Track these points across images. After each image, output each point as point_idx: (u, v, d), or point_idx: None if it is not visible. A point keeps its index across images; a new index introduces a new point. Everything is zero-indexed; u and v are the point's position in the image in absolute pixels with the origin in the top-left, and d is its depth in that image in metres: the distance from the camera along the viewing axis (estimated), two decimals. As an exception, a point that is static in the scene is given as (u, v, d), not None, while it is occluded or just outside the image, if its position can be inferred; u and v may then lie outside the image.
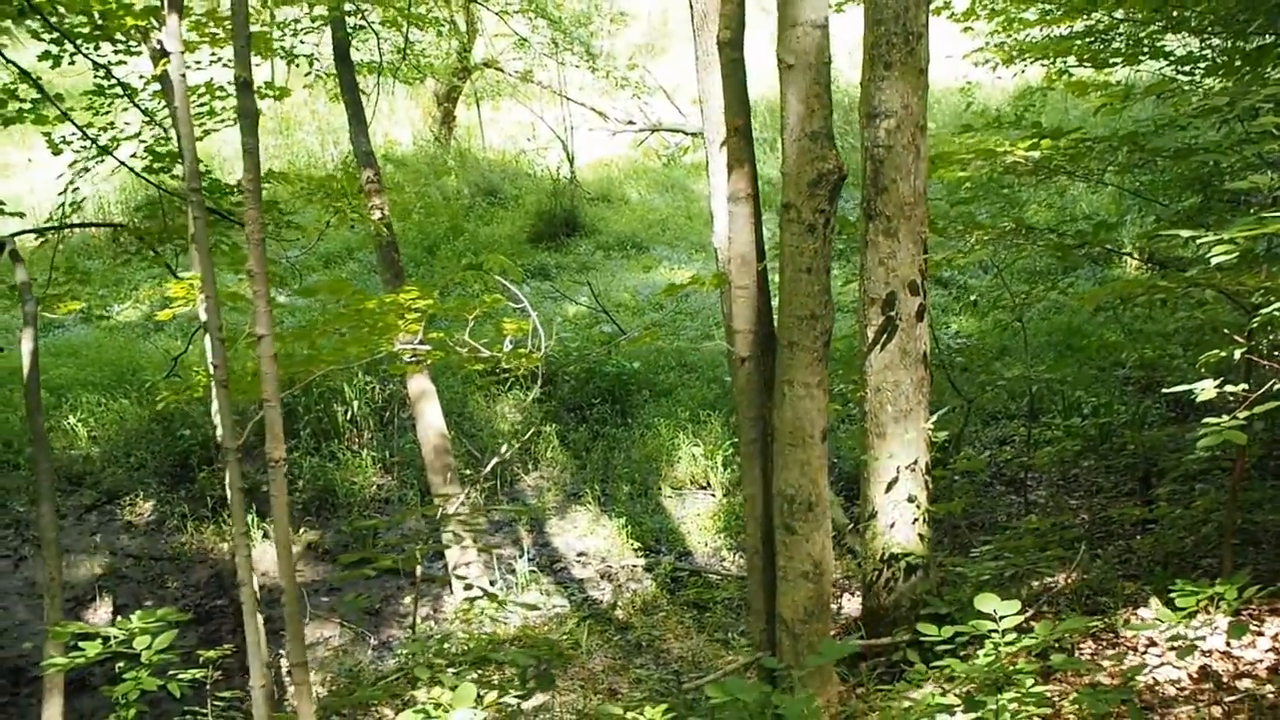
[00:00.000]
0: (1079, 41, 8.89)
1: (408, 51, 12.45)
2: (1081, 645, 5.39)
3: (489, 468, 6.73)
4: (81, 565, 9.62)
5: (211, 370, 4.31)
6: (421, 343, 5.15)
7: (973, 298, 8.35)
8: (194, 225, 4.13)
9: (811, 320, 4.60)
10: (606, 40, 22.17)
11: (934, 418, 9.05)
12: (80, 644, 4.74)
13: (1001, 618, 4.00)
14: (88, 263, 15.12)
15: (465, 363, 5.33)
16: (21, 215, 8.26)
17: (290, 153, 19.01)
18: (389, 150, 19.05)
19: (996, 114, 12.66)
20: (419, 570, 5.79)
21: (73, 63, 8.11)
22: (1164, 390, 7.32)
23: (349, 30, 10.32)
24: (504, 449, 6.50)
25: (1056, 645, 4.69)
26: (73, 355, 12.52)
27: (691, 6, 6.13)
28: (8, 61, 7.45)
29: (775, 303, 5.10)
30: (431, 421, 9.27)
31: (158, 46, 7.57)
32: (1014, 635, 4.04)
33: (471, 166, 18.61)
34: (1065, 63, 9.45)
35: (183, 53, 3.75)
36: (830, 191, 4.49)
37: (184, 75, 3.81)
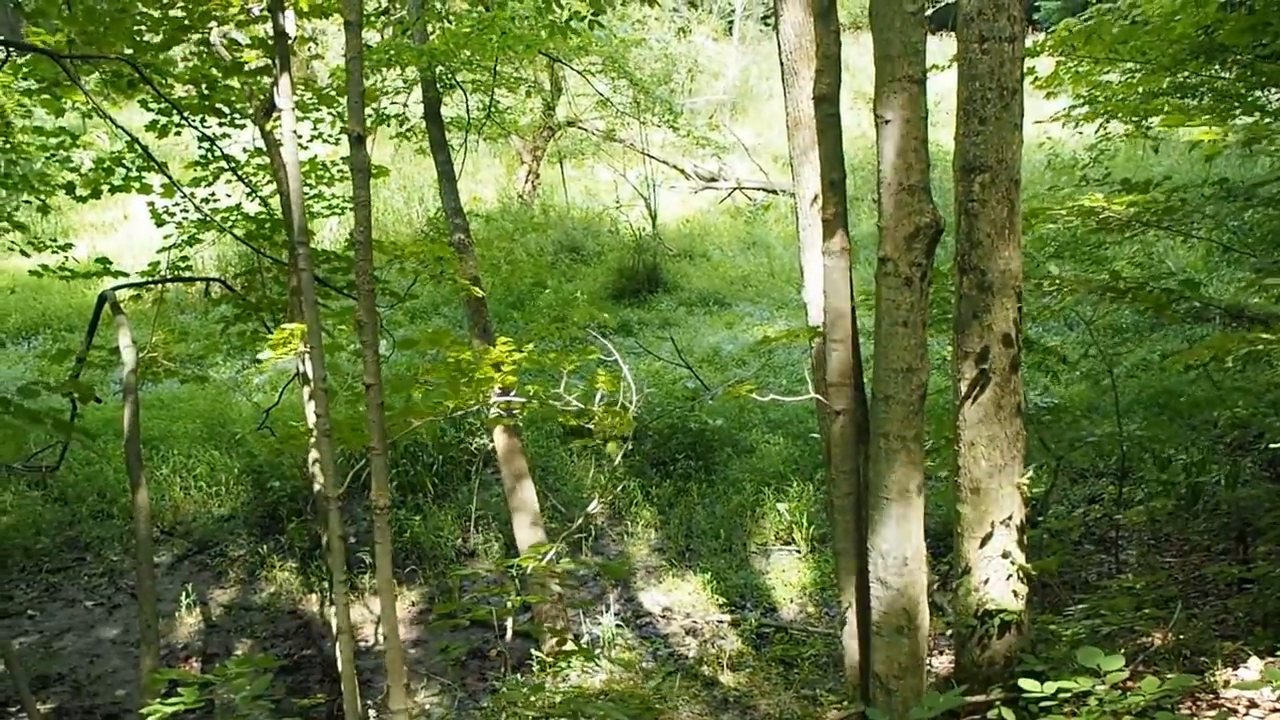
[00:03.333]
0: (1168, 99, 8.82)
1: (493, 109, 12.67)
2: (1181, 705, 5.27)
3: (576, 524, 6.75)
4: (173, 615, 9.79)
5: (314, 421, 4.39)
6: (515, 395, 5.22)
7: (1062, 355, 8.26)
8: (300, 278, 4.24)
9: (908, 373, 4.60)
10: (688, 99, 22.46)
11: (1026, 472, 9.00)
12: (178, 690, 4.82)
13: (1106, 673, 3.92)
14: (181, 316, 15.53)
15: (558, 418, 5.38)
16: (124, 274, 8.52)
17: (377, 211, 19.39)
18: (473, 207, 19.37)
19: (1075, 164, 12.64)
20: (509, 622, 5.82)
21: (178, 133, 8.38)
22: (1265, 447, 7.18)
23: (439, 89, 10.56)
24: (592, 505, 6.52)
25: (1159, 705, 4.59)
26: (164, 408, 12.81)
27: (782, 64, 6.22)
28: (118, 129, 7.71)
29: (864, 356, 5.11)
30: (518, 475, 9.35)
31: (264, 101, 7.80)
32: (1117, 693, 3.96)
33: (555, 223, 18.87)
34: (1149, 123, 9.38)
35: (293, 109, 3.87)
36: (927, 245, 4.50)
37: (295, 131, 3.94)
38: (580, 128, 19.17)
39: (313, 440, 5.53)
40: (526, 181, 19.95)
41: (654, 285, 16.56)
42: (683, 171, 19.82)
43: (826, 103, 4.84)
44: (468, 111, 12.11)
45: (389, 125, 11.40)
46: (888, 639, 4.86)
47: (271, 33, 4.14)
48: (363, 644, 9.39)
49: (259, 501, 10.96)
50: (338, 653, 4.40)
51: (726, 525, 10.29)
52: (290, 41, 4.21)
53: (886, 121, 4.42)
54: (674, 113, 16.44)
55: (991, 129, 5.22)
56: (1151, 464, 9.76)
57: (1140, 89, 8.56)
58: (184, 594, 9.94)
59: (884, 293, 4.56)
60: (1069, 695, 4.21)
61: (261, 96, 7.65)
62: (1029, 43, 9.73)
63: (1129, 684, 5.35)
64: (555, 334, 12.09)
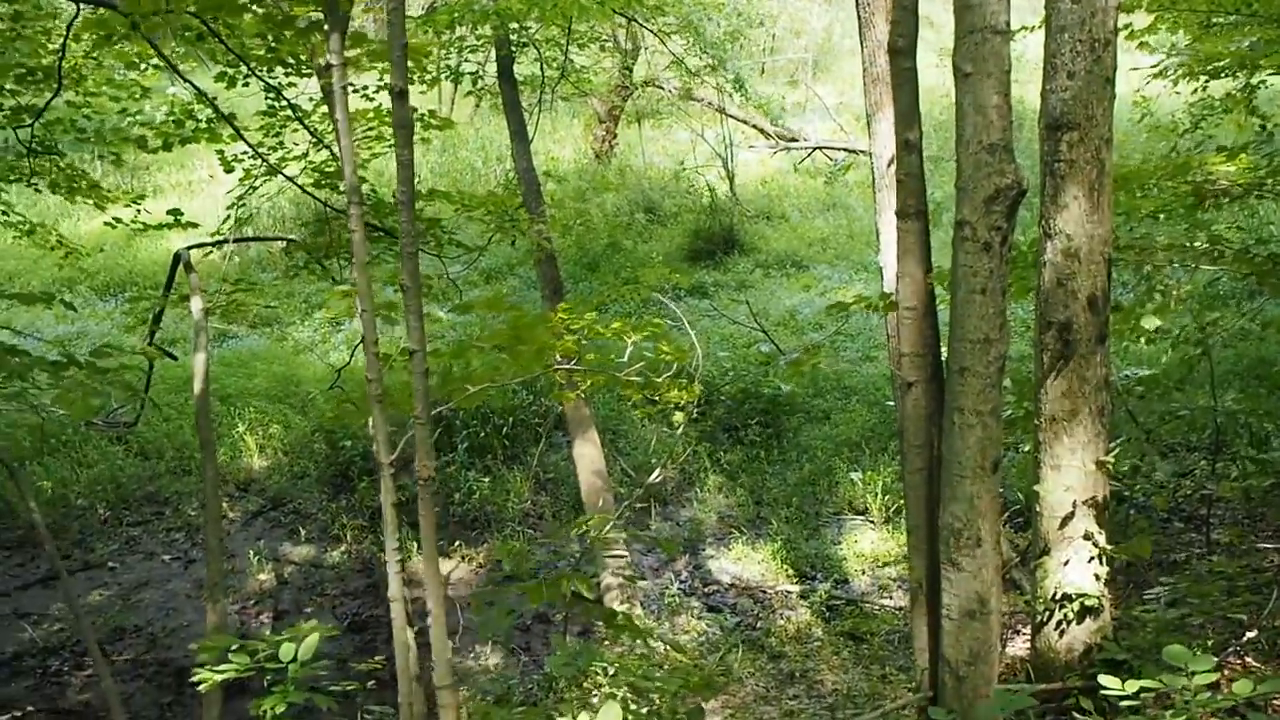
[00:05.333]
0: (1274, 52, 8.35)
1: (567, 69, 12.46)
2: (1275, 702, 4.97)
3: (638, 494, 6.59)
4: (245, 571, 9.85)
5: (367, 384, 4.26)
6: (577, 364, 5.04)
7: (1154, 325, 7.86)
8: (352, 238, 4.09)
9: (985, 344, 4.34)
10: (769, 58, 22.04)
11: (1112, 448, 8.64)
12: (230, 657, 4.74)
13: (1194, 674, 3.66)
14: (261, 274, 15.60)
15: (621, 388, 5.20)
16: (195, 225, 8.51)
17: (455, 170, 19.33)
18: (550, 167, 19.21)
19: (1174, 126, 12.07)
20: (570, 591, 5.67)
21: (246, 84, 8.31)
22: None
23: (512, 48, 10.38)
24: (654, 475, 6.35)
25: (1250, 703, 4.31)
26: (242, 366, 12.89)
27: (859, 16, 5.94)
28: (186, 82, 7.66)
29: (943, 325, 4.86)
30: (587, 442, 9.23)
31: (323, 63, 7.68)
32: (1206, 694, 3.70)
33: (631, 184, 18.64)
34: (1255, 82, 8.91)
35: (344, 65, 3.71)
36: (1008, 208, 4.22)
37: (345, 88, 3.77)
38: (658, 87, 18.88)
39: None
40: (604, 141, 19.73)
41: (730, 246, 16.29)
42: (762, 131, 19.45)
43: (901, 56, 4.56)
44: (542, 71, 11.92)
45: (462, 83, 11.24)
46: (958, 623, 4.63)
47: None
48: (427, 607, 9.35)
49: (331, 460, 10.96)
50: (393, 613, 4.27)
51: (798, 494, 10.07)
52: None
53: (966, 75, 4.14)
54: (739, 81, 16.08)
55: (1081, 84, 4.91)
56: (1247, 440, 9.32)
57: (1246, 40, 8.11)
58: (255, 551, 9.98)
59: (961, 258, 4.29)
60: (1152, 694, 3.94)
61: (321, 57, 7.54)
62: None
63: (1219, 677, 5.07)
64: (626, 296, 11.94)
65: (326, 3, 3.76)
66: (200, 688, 4.77)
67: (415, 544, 9.96)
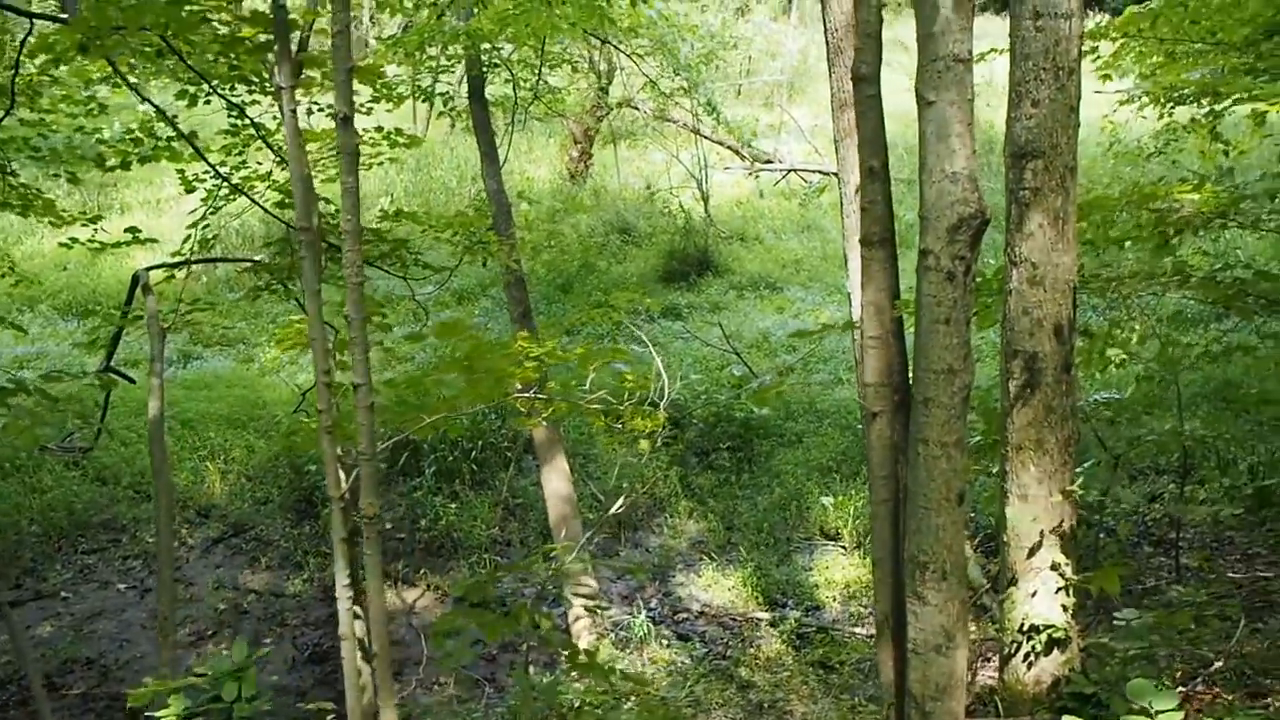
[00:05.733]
0: (1240, 79, 8.35)
1: (539, 90, 12.40)
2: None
3: (600, 525, 6.49)
4: (204, 599, 9.67)
5: (319, 415, 4.16)
6: (539, 393, 4.95)
7: (1120, 354, 7.83)
8: (303, 266, 3.99)
9: (949, 375, 4.26)
10: (745, 80, 22.04)
11: (1079, 471, 8.57)
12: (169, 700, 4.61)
13: (1158, 713, 3.58)
14: (229, 295, 15.43)
15: (585, 415, 5.11)
16: (155, 241, 8.39)
17: (429, 190, 19.23)
18: (525, 187, 19.13)
19: (1140, 151, 12.08)
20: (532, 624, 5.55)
21: (208, 102, 8.20)
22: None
23: (483, 68, 10.31)
24: (617, 505, 6.24)
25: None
26: (205, 388, 12.72)
27: (828, 42, 5.88)
28: (144, 99, 7.54)
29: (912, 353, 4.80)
30: (555, 468, 9.13)
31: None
32: (1171, 729, 3.63)
33: (606, 205, 18.59)
34: (1217, 108, 8.90)
35: (293, 89, 3.61)
36: (972, 237, 4.15)
37: (294, 112, 3.68)
38: (633, 108, 18.84)
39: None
40: (579, 162, 19.68)
41: (705, 268, 16.25)
42: (737, 153, 19.43)
43: (865, 83, 4.50)
44: (515, 92, 11.85)
45: (432, 104, 11.16)
46: (924, 657, 4.54)
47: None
48: (392, 636, 9.21)
49: (295, 486, 10.80)
50: (343, 652, 4.15)
51: (769, 519, 9.98)
52: (292, 14, 3.95)
53: (929, 103, 4.08)
54: (711, 105, 16.06)
55: (1045, 112, 4.87)
56: (1215, 464, 9.29)
57: (1209, 69, 8.11)
58: (215, 579, 9.80)
59: (924, 288, 4.22)
60: (1116, 730, 3.87)
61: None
62: (1090, 24, 9.33)
63: (1185, 707, 5.00)
64: (598, 320, 11.83)
65: (275, 26, 3.67)
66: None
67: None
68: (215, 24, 5.63)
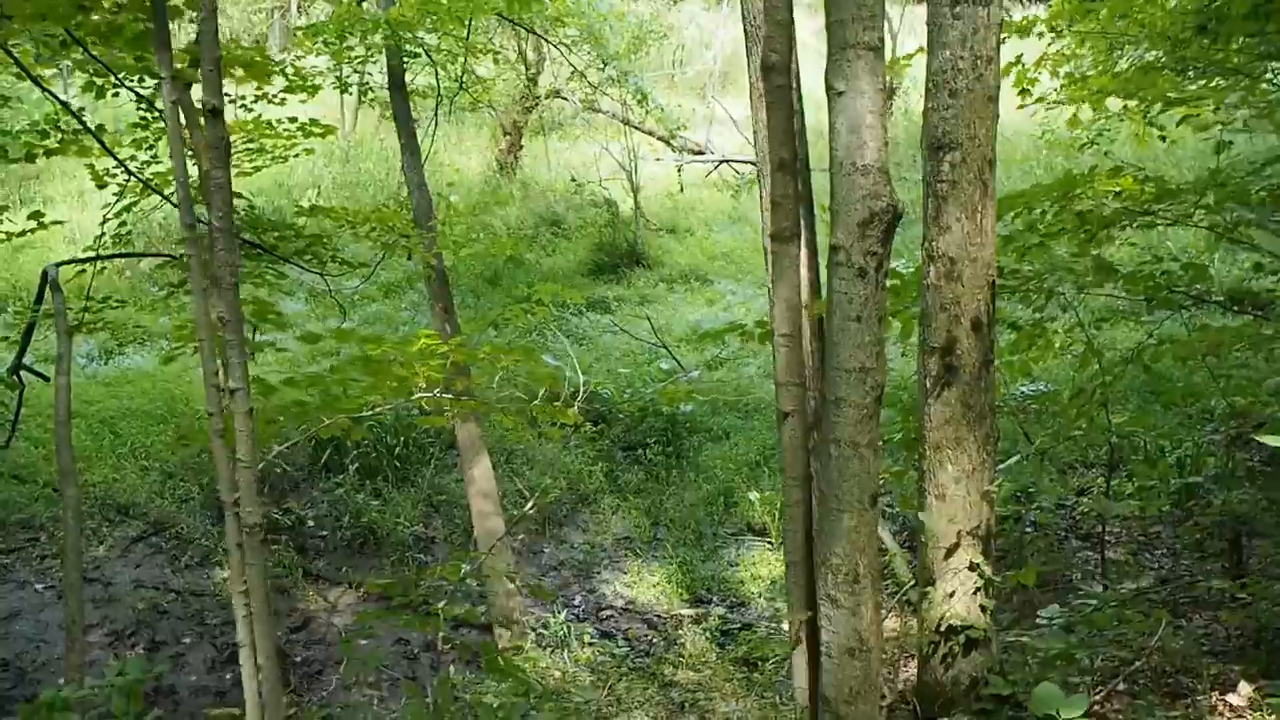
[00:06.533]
0: (1165, 73, 8.34)
1: (464, 81, 12.19)
2: (1161, 734, 4.87)
3: (512, 525, 6.36)
4: (123, 599, 9.42)
5: (208, 419, 3.98)
6: (446, 391, 4.79)
7: (1050, 342, 7.78)
8: (190, 264, 3.80)
9: (861, 374, 4.16)
10: (677, 69, 21.92)
11: (1004, 465, 8.56)
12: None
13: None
14: (155, 290, 15.06)
15: (496, 414, 4.97)
16: (59, 223, 8.15)
17: (356, 182, 18.91)
18: (455, 179, 18.88)
19: (1074, 142, 12.08)
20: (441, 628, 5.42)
21: (116, 94, 7.95)
22: (1258, 439, 6.71)
23: (404, 58, 10.09)
24: (528, 506, 6.13)
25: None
26: (127, 384, 12.42)
27: (746, 31, 5.76)
28: (45, 92, 7.29)
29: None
30: (477, 465, 8.96)
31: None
32: (1083, 733, 3.55)
33: (536, 197, 18.39)
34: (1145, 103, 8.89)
35: (172, 79, 3.43)
36: (883, 232, 4.05)
37: (174, 103, 3.50)
38: (562, 98, 18.65)
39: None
40: (509, 153, 19.47)
41: (635, 261, 16.14)
42: (668, 143, 19.32)
43: (775, 72, 4.38)
44: (438, 82, 11.63)
45: (356, 95, 10.92)
46: (837, 660, 4.45)
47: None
48: (313, 635, 9.05)
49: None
50: (241, 659, 3.96)
51: (696, 514, 9.89)
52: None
53: (839, 93, 3.96)
54: (641, 92, 15.93)
55: (963, 102, 4.79)
56: (1142, 458, 9.31)
57: (1135, 67, 8.10)
58: (136, 577, 9.56)
59: (835, 285, 4.12)
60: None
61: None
62: (1019, 16, 9.29)
63: (1103, 707, 4.97)
64: (522, 314, 11.68)
65: (153, 14, 3.48)
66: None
67: (300, 570, 9.65)
68: (92, 13, 5.40)
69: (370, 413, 4.59)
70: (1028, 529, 8.36)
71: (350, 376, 4.44)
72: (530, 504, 6.33)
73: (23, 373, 8.38)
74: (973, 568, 5.05)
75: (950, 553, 5.07)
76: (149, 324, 12.60)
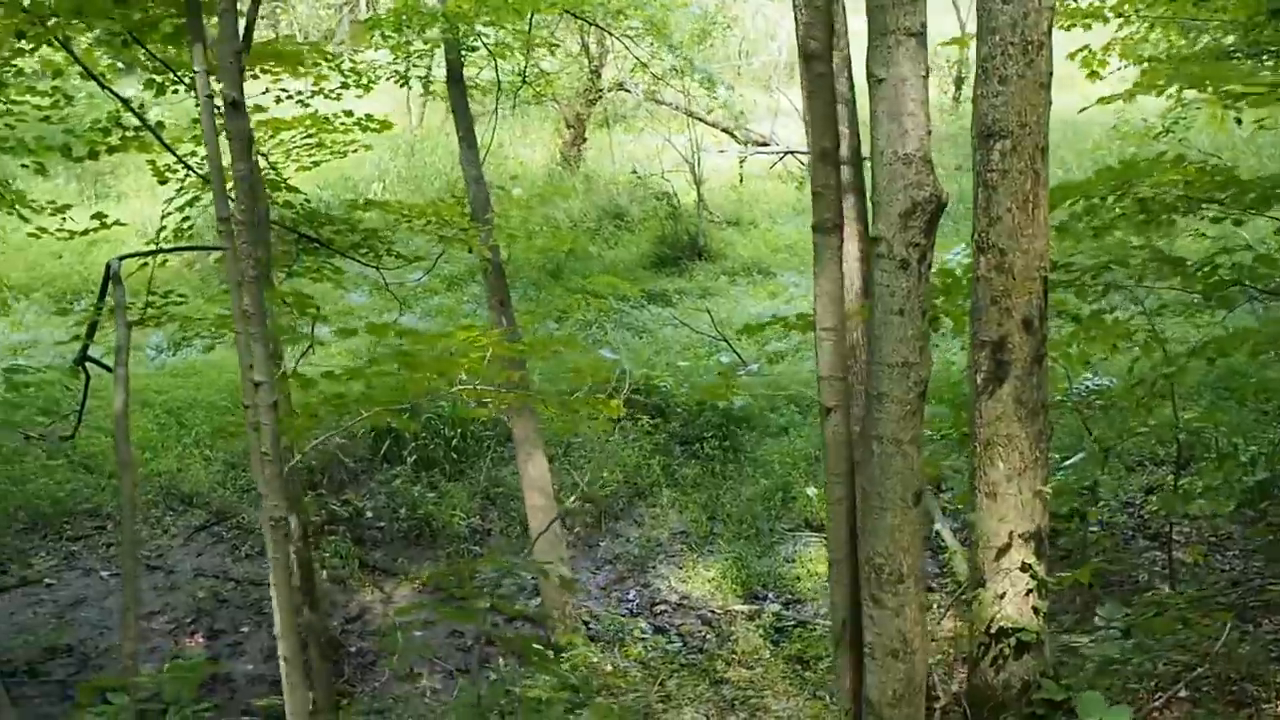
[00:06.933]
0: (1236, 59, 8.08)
1: (527, 74, 12.17)
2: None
3: (554, 520, 6.32)
4: (185, 586, 9.56)
5: (245, 411, 3.96)
6: (482, 383, 4.75)
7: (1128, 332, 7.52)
8: (227, 258, 3.79)
9: (904, 369, 4.05)
10: (742, 60, 21.75)
11: (1069, 462, 8.35)
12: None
13: (1112, 732, 3.38)
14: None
15: (537, 405, 4.93)
16: (121, 224, 8.33)
17: (422, 176, 19.00)
18: (518, 171, 18.89)
19: (1149, 130, 11.74)
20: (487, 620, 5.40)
21: (175, 91, 8.05)
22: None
23: (461, 53, 10.09)
24: (571, 500, 6.09)
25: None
26: (196, 375, 12.58)
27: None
28: (107, 90, 7.40)
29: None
30: (532, 458, 8.95)
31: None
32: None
33: (599, 189, 18.34)
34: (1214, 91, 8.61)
35: (206, 74, 3.41)
36: (926, 222, 3.93)
37: (209, 97, 3.48)
38: (625, 90, 18.57)
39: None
40: (572, 146, 19.43)
41: (697, 253, 16.04)
42: (732, 135, 19.17)
43: (815, 60, 4.28)
44: (497, 75, 11.61)
45: (410, 88, 10.94)
46: (880, 662, 4.35)
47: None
48: (368, 625, 9.12)
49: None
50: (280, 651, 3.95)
51: (753, 510, 9.78)
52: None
53: (880, 80, 3.86)
54: (710, 80, 15.79)
55: (1014, 89, 4.63)
56: (1214, 456, 9.01)
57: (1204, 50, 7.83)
58: (197, 566, 9.69)
59: (877, 277, 4.01)
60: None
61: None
62: (1083, 2, 9.03)
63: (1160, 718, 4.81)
64: (579, 306, 11.66)
65: (187, 9, 3.47)
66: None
67: (357, 560, 9.71)
68: (131, 10, 5.43)
69: (404, 405, 4.57)
70: (1093, 528, 8.14)
71: (387, 370, 4.42)
72: (573, 498, 6.27)
73: (88, 365, 8.51)
74: (1024, 568, 4.90)
75: (1001, 553, 4.92)
76: (213, 316, 12.79)
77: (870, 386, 4.18)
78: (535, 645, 5.04)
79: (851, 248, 5.03)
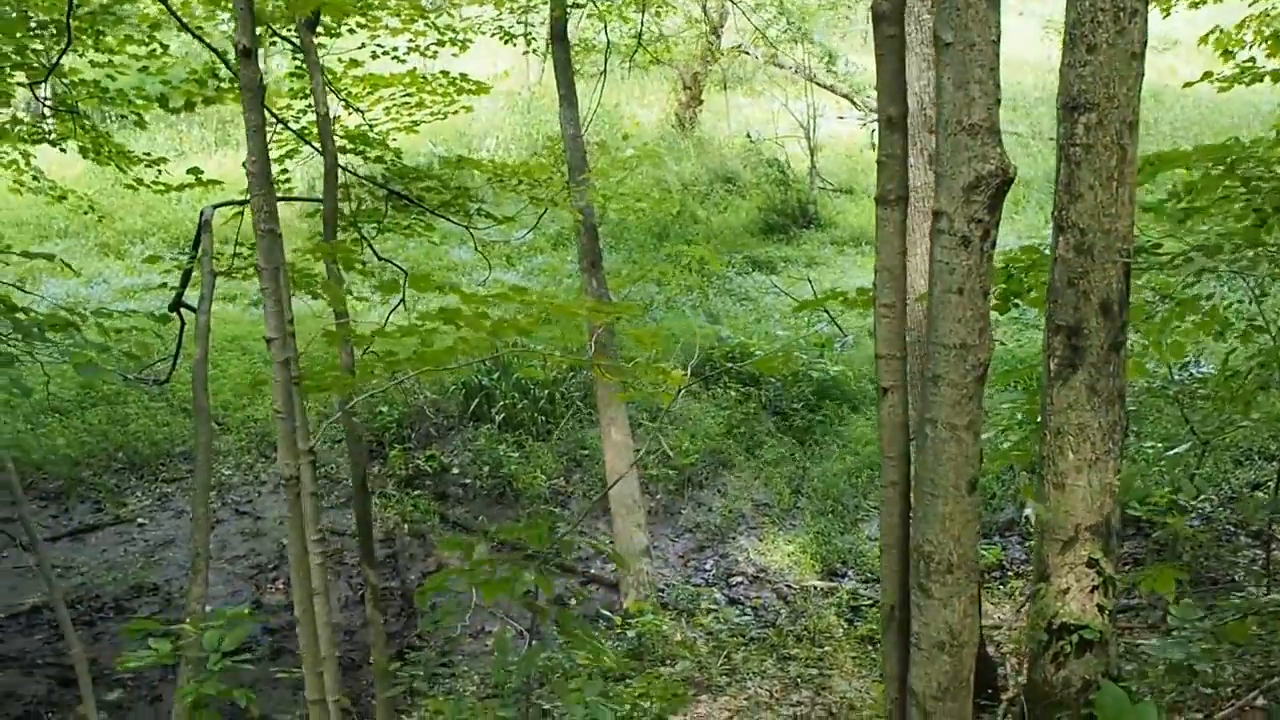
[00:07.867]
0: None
1: (642, 36, 12.02)
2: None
3: (616, 482, 6.22)
4: (270, 533, 9.73)
5: (277, 368, 3.94)
6: (526, 346, 4.67)
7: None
8: (258, 223, 3.75)
9: (962, 351, 3.84)
10: (868, 27, 21.23)
11: (1170, 453, 7.98)
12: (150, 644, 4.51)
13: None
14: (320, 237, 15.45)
15: (597, 373, 4.83)
16: (219, 184, 8.40)
17: (536, 132, 18.98)
18: (631, 130, 18.75)
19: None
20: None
21: (274, 44, 8.10)
22: None
23: (565, 8, 9.99)
24: (633, 460, 5.98)
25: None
26: (295, 324, 12.74)
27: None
28: (202, 43, 7.46)
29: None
30: (614, 422, 8.87)
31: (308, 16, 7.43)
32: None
33: (712, 152, 18.10)
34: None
35: (313, 25, 3.35)
36: (991, 197, 3.71)
37: (313, 45, 3.42)
38: (744, 53, 18.26)
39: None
40: (687, 108, 19.21)
41: (807, 221, 15.73)
42: (853, 102, 18.76)
43: (886, 21, 4.05)
44: (606, 35, 11.49)
45: (514, 44, 10.87)
46: (927, 654, 4.17)
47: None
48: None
49: (366, 426, 10.76)
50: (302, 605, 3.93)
51: (839, 485, 9.57)
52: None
53: (946, 45, 3.65)
54: (831, 55, 15.42)
55: (1102, 58, 4.37)
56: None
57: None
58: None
59: (936, 254, 3.81)
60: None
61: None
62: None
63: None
64: (670, 274, 11.52)
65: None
66: (119, 668, 4.58)
67: (438, 517, 9.76)
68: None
69: (456, 364, 4.51)
70: (1192, 522, 7.78)
71: (435, 328, 4.36)
72: (654, 462, 6.16)
73: (183, 310, 8.68)
74: (1091, 564, 4.67)
75: (1067, 546, 4.70)
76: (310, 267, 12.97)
77: (926, 368, 3.99)
78: (573, 618, 4.94)
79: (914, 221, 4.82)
